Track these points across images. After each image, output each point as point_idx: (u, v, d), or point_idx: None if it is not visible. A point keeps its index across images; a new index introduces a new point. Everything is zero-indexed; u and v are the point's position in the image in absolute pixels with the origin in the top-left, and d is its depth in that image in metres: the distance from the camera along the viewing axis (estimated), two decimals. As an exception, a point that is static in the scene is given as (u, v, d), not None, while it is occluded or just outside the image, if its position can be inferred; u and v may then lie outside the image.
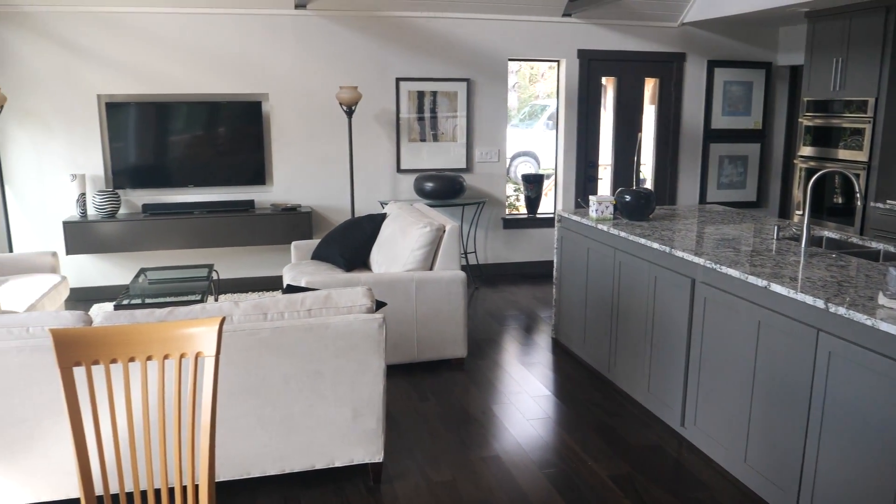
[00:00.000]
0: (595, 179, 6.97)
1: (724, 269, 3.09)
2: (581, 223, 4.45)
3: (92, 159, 5.87)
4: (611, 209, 4.33)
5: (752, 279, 2.92)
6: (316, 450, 2.96)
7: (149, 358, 1.89)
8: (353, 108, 5.88)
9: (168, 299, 4.46)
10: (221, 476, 2.87)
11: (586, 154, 6.86)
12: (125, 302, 4.39)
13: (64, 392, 1.81)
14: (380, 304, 3.14)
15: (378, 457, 3.05)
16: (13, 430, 2.65)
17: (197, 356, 1.89)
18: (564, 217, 4.67)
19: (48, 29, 5.63)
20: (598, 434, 3.60)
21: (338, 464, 3.01)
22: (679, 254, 3.43)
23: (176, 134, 5.98)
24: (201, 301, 4.35)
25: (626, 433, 3.61)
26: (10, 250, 5.67)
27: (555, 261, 4.85)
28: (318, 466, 2.99)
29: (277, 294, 2.99)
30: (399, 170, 6.43)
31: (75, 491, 2.78)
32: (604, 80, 6.88)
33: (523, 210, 7.22)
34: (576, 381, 4.29)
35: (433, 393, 4.10)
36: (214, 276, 5.38)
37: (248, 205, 6.00)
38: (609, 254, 4.12)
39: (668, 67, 6.93)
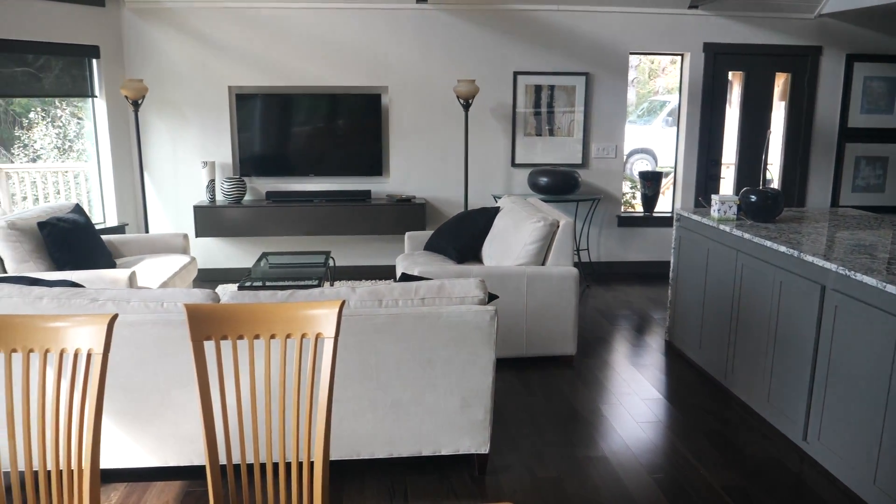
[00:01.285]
0: (717, 178, 6.69)
1: (859, 277, 2.89)
2: (702, 223, 4.29)
3: (222, 148, 6.19)
4: (734, 209, 4.14)
5: (890, 288, 2.72)
6: (423, 436, 3.00)
7: (272, 336, 1.97)
8: (470, 101, 5.91)
9: (287, 283, 4.65)
10: (332, 455, 2.96)
11: (708, 152, 6.60)
12: (247, 284, 4.61)
13: (195, 364, 1.92)
14: (492, 297, 3.14)
15: (484, 448, 3.06)
16: (146, 399, 2.84)
17: (317, 337, 1.95)
18: (684, 216, 4.51)
19: (187, 24, 5.98)
20: (712, 442, 3.46)
21: (444, 452, 3.04)
22: (808, 258, 3.24)
23: (299, 125, 6.21)
24: (318, 286, 4.50)
25: (742, 443, 3.45)
26: (146, 231, 6.07)
27: (672, 261, 4.70)
28: (425, 453, 3.03)
29: (391, 282, 3.05)
30: (513, 164, 6.41)
31: (197, 458, 2.94)
32: (730, 74, 6.59)
33: (639, 208, 7.04)
34: (689, 385, 4.15)
35: (540, 388, 4.07)
36: (330, 262, 5.55)
37: (365, 195, 6.15)
38: (731, 256, 3.95)
39: (801, 62, 6.55)
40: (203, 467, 3.05)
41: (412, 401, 2.95)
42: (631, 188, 9.21)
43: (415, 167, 6.34)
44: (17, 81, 5.41)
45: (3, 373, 2.43)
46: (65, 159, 9.48)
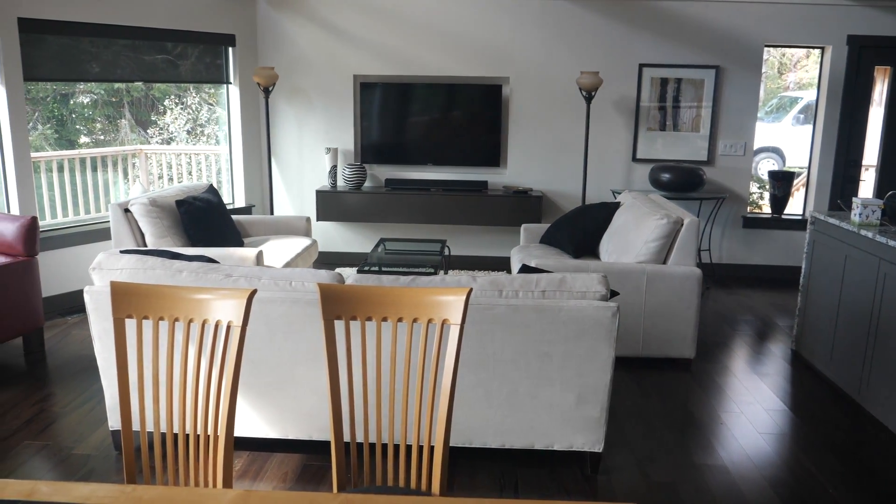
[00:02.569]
0: (856, 181, 6.27)
1: None
2: (840, 227, 4.02)
3: (344, 135, 6.36)
4: (878, 214, 3.86)
5: None
6: (536, 430, 2.97)
7: (400, 319, 1.99)
8: (593, 93, 5.79)
9: (403, 269, 4.72)
10: (445, 442, 2.98)
11: (847, 152, 6.19)
12: (365, 268, 4.71)
13: (325, 342, 1.97)
14: (613, 293, 3.07)
15: (598, 446, 3.00)
16: (270, 372, 2.95)
17: (443, 323, 1.96)
18: (819, 219, 4.25)
19: (317, 14, 6.16)
20: (841, 460, 3.25)
21: (556, 447, 3.00)
22: (966, 270, 2.97)
23: (419, 114, 6.29)
24: (434, 274, 4.55)
25: (877, 465, 3.22)
26: (271, 213, 6.33)
27: (803, 266, 4.44)
28: (537, 447, 3.01)
29: (504, 273, 3.03)
30: (634, 159, 6.25)
31: (316, 434, 3.04)
32: (876, 69, 6.14)
33: (766, 209, 6.69)
34: (817, 398, 3.91)
35: (655, 390, 3.95)
36: (446, 251, 5.60)
37: (482, 185, 6.16)
38: (872, 263, 3.69)
39: (960, 57, 6.02)
40: (321, 443, 3.15)
41: (527, 393, 2.93)
42: (758, 188, 8.77)
43: (533, 159, 6.29)
44: (158, 68, 5.74)
45: (151, 339, 2.58)
46: (195, 142, 10.03)
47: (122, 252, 3.06)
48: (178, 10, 5.64)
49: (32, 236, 4.12)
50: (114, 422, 3.08)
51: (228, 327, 1.90)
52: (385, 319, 2.00)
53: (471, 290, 1.96)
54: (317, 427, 3.01)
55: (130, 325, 2.78)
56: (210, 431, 1.94)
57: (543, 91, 6.18)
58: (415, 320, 1.99)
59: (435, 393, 1.98)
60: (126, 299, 1.94)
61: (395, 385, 2.03)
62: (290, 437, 3.05)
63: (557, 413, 2.95)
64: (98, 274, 2.95)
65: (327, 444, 3.17)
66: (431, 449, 2.02)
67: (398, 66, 6.21)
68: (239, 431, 3.05)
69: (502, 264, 6.44)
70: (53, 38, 4.98)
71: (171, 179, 7.95)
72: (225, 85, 6.23)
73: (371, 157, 6.35)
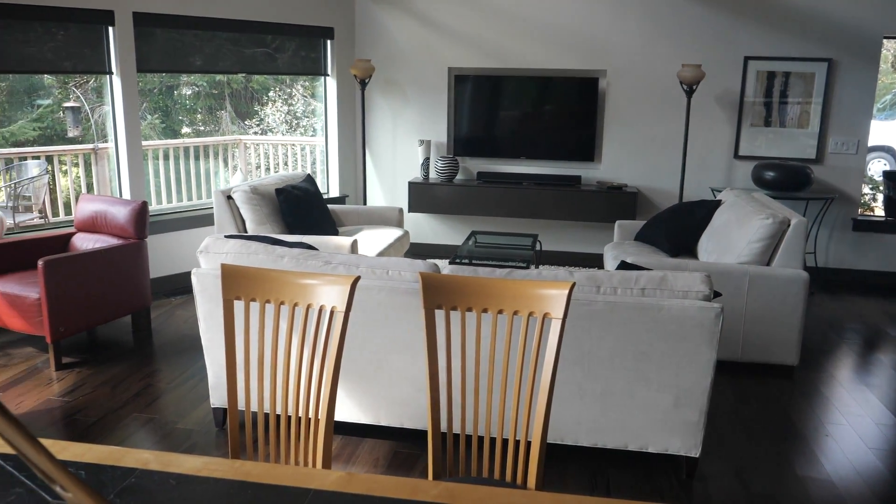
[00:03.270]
0: (981, 183, 5.84)
1: None
2: (966, 232, 3.75)
3: (438, 127, 6.38)
4: None
5: None
6: (631, 431, 2.90)
7: (500, 311, 1.98)
8: (694, 87, 5.61)
9: (495, 263, 4.70)
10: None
11: (973, 152, 5.76)
12: (457, 260, 4.72)
13: (425, 331, 1.98)
14: (715, 294, 2.96)
15: (695, 451, 2.90)
16: (365, 359, 3.00)
17: (544, 317, 1.93)
18: (942, 223, 3.97)
19: (414, 6, 6.21)
20: (964, 482, 3.03)
21: (651, 450, 2.92)
22: None
23: (512, 106, 6.24)
24: (526, 269, 4.51)
25: None
26: (364, 203, 6.43)
27: (921, 272, 4.16)
28: (631, 448, 2.94)
29: (602, 270, 2.97)
30: (736, 155, 6.01)
31: (407, 422, 3.06)
32: None
33: (879, 212, 6.32)
34: (935, 414, 3.67)
35: (755, 397, 3.79)
36: (537, 246, 5.54)
37: (575, 180, 6.06)
38: None
39: None
40: (413, 431, 3.17)
41: (622, 393, 2.86)
42: (871, 189, 8.30)
43: (628, 154, 6.15)
44: (257, 61, 5.91)
45: (258, 321, 2.66)
46: (292, 133, 10.30)
47: (226, 237, 3.17)
48: (279, 4, 5.79)
49: (143, 220, 4.32)
50: (215, 399, 3.20)
51: (332, 312, 1.93)
52: (485, 311, 1.99)
53: (574, 284, 1.92)
54: (409, 415, 3.04)
55: (238, 307, 2.87)
56: (311, 414, 1.98)
57: (642, 84, 6.02)
58: (515, 313, 1.97)
59: (533, 388, 1.96)
60: (235, 281, 2.00)
61: (493, 377, 2.02)
62: (382, 423, 3.09)
63: (653, 414, 2.87)
64: (205, 257, 3.06)
65: (419, 432, 3.20)
66: (528, 444, 2.00)
67: (493, 59, 6.18)
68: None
69: (594, 261, 6.33)
70: (162, 31, 5.20)
71: (267, 169, 8.20)
72: (322, 77, 6.36)
73: (463, 150, 6.36)
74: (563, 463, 3.06)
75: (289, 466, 1.62)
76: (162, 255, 5.31)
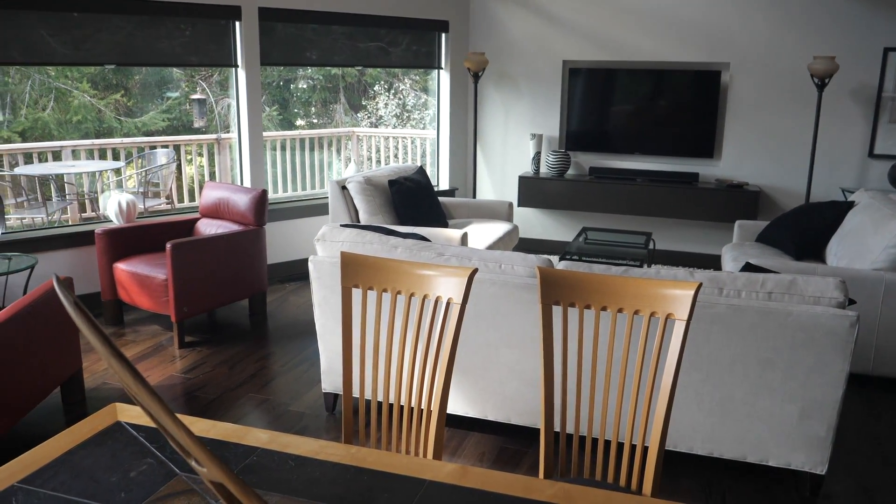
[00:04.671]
0: None
1: None
2: None
3: (550, 121, 6.29)
4: None
5: None
6: (750, 442, 2.76)
7: (620, 310, 1.91)
8: (826, 81, 5.26)
9: (606, 261, 4.59)
10: (650, 441, 2.85)
11: None
12: (567, 257, 4.64)
13: (542, 327, 1.94)
14: (850, 301, 2.76)
15: (821, 468, 2.72)
16: (475, 352, 2.98)
17: (667, 317, 1.85)
18: None
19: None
20: None
21: (772, 463, 2.77)
22: None
23: (627, 100, 6.07)
24: (639, 267, 4.37)
25: None
26: (473, 196, 6.43)
27: None
28: (749, 460, 2.79)
29: (725, 271, 2.82)
30: (871, 154, 5.61)
31: (515, 418, 3.03)
32: None
33: None
34: None
35: (888, 413, 3.52)
36: (651, 244, 5.38)
37: (692, 177, 5.83)
38: None
39: None
40: (520, 427, 3.14)
41: (742, 401, 2.72)
42: None
43: (750, 151, 5.85)
44: (371, 54, 5.98)
45: (375, 310, 2.70)
46: (402, 126, 10.45)
47: (341, 226, 3.23)
48: (397, -2, 5.86)
49: (262, 208, 4.48)
50: (327, 384, 3.27)
51: (448, 304, 1.92)
52: (604, 309, 1.93)
53: (700, 285, 1.83)
54: (516, 411, 3.00)
55: (355, 295, 2.92)
56: (423, 405, 1.98)
57: (768, 77, 5.71)
58: (636, 312, 1.90)
59: (653, 391, 1.88)
60: (354, 270, 2.02)
61: (610, 378, 1.95)
62: (489, 418, 3.07)
63: (776, 426, 2.71)
64: (322, 245, 3.13)
65: (526, 429, 3.16)
66: (644, 449, 1.93)
67: (608, 52, 6.03)
68: (440, 407, 3.12)
69: (710, 262, 6.08)
70: (282, 26, 5.36)
71: (378, 161, 8.35)
72: (436, 70, 6.39)
73: (576, 145, 6.24)
74: (675, 470, 2.95)
75: (403, 455, 1.62)
76: (277, 242, 5.50)
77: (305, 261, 5.68)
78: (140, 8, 4.66)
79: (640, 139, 6.07)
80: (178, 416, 1.68)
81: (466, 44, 6.39)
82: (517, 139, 6.42)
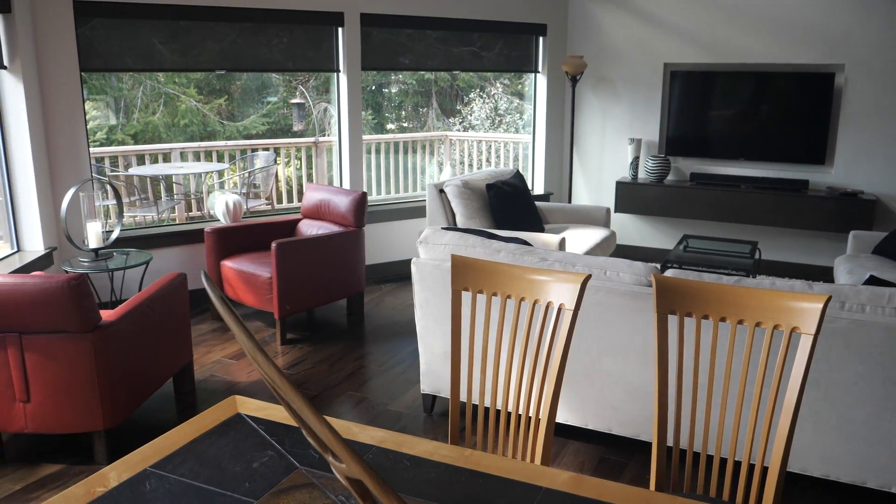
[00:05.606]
0: None
1: None
2: None
3: (649, 125, 6.15)
4: None
5: None
6: (871, 466, 2.60)
7: (740, 321, 1.84)
8: (955, 83, 4.93)
9: (709, 270, 4.44)
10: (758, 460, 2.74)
11: None
12: (668, 265, 4.51)
13: (656, 337, 1.88)
14: None
15: (951, 498, 2.54)
16: (577, 360, 2.94)
17: (791, 331, 1.77)
18: None
19: (629, 1, 6.01)
20: None
21: (895, 490, 2.60)
22: None
23: (731, 104, 5.86)
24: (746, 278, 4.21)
25: None
26: (569, 201, 6.35)
27: None
28: (870, 485, 2.63)
29: (848, 285, 2.67)
30: None
31: (616, 428, 2.96)
32: None
33: None
34: None
35: None
36: (756, 254, 5.17)
37: (801, 185, 5.57)
38: None
39: None
40: (621, 438, 3.08)
41: (864, 423, 2.57)
42: None
43: (867, 158, 5.54)
44: (464, 59, 5.98)
45: (484, 313, 2.70)
46: (494, 130, 10.44)
47: (443, 229, 3.25)
48: (494, 3, 5.85)
49: (362, 209, 4.56)
50: (426, 386, 3.29)
51: (560, 310, 1.90)
52: (723, 320, 1.86)
53: (829, 298, 1.74)
54: (618, 421, 2.94)
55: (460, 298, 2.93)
56: (532, 412, 1.96)
57: (888, 79, 5.39)
58: (758, 324, 1.82)
59: (774, 408, 1.80)
60: (464, 272, 2.03)
61: (727, 392, 1.88)
62: (590, 426, 3.02)
63: (901, 450, 2.55)
64: (424, 247, 3.15)
65: (627, 440, 3.09)
66: (762, 468, 1.84)
67: (712, 54, 5.84)
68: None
69: (819, 274, 5.79)
70: (378, 31, 5.43)
71: (470, 165, 8.37)
72: (532, 74, 6.35)
73: (676, 150, 6.07)
74: (787, 490, 2.81)
75: (517, 461, 1.61)
76: (373, 243, 5.59)
77: (401, 262, 5.75)
78: (245, 16, 4.84)
79: (744, 144, 5.85)
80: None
81: (564, 47, 6.33)
82: (615, 144, 6.31)
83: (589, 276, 1.89)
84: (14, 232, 4.25)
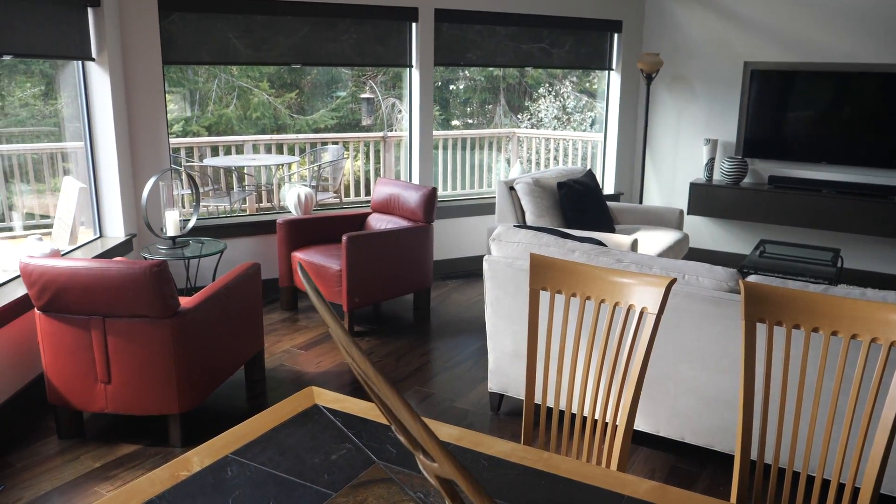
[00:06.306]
0: None
1: None
2: None
3: (726, 126, 5.97)
4: None
5: None
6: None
7: (834, 332, 1.75)
8: None
9: (787, 278, 4.28)
10: (846, 479, 2.62)
11: None
12: (744, 271, 4.37)
13: (744, 347, 1.81)
14: None
15: None
16: (652, 365, 2.86)
17: (890, 345, 1.68)
18: None
19: (712, -3, 5.86)
20: None
21: None
22: None
23: (814, 105, 5.63)
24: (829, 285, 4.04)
25: None
26: (640, 202, 6.23)
27: None
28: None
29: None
30: None
31: (689, 436, 2.88)
32: None
33: None
34: None
35: None
36: (838, 262, 4.96)
37: (888, 191, 5.32)
38: None
39: None
40: (693, 447, 2.99)
41: (959, 443, 2.42)
42: None
43: (960, 164, 5.25)
44: (533, 56, 5.89)
45: (562, 315, 2.66)
46: (563, 128, 10.33)
47: (515, 227, 3.21)
48: (572, -2, 5.77)
49: (431, 205, 4.57)
50: (493, 384, 3.27)
51: (642, 313, 1.85)
52: (816, 330, 1.78)
53: (935, 311, 1.64)
54: (691, 429, 2.86)
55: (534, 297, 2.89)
56: (609, 417, 1.92)
57: None
58: (853, 336, 1.74)
59: (869, 426, 1.71)
60: (543, 272, 1.99)
61: (818, 406, 1.80)
62: (661, 433, 2.94)
63: None
64: (496, 245, 3.13)
65: (700, 449, 3.00)
66: (854, 488, 1.75)
67: (796, 52, 5.62)
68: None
69: (902, 284, 5.53)
70: (447, 26, 5.40)
71: (538, 163, 8.30)
72: (606, 71, 6.24)
73: (754, 151, 5.87)
74: (870, 511, 2.68)
75: (597, 467, 1.57)
76: (440, 239, 5.58)
77: (467, 259, 5.73)
78: (318, 10, 4.88)
79: (827, 147, 5.62)
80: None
81: (640, 44, 6.20)
82: (689, 144, 6.15)
83: (674, 280, 1.83)
84: (97, 218, 4.41)
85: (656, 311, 1.82)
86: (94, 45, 4.15)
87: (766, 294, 1.81)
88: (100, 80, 4.23)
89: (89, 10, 4.09)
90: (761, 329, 2.49)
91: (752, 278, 2.72)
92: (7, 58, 3.67)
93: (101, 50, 4.17)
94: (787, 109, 5.75)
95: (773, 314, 1.81)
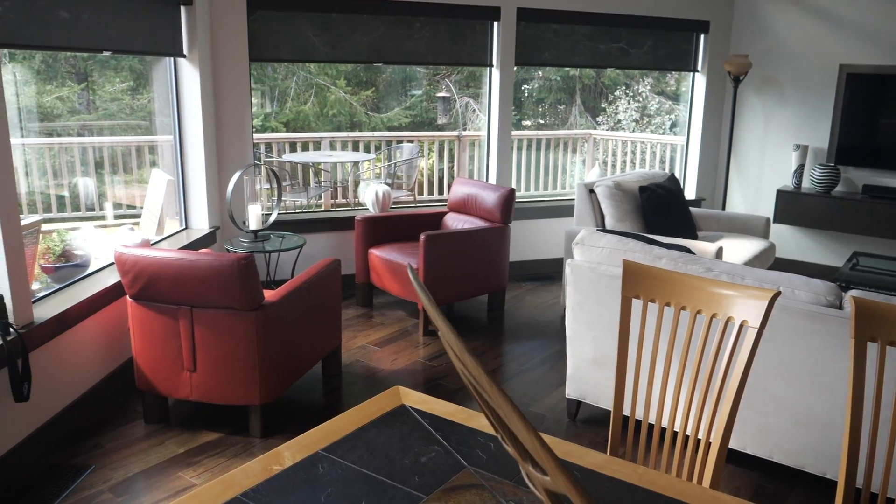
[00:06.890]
0: None
1: None
2: None
3: (818, 131, 5.72)
4: None
5: None
6: None
7: (955, 356, 1.64)
8: None
9: (876, 291, 4.07)
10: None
11: None
12: (837, 283, 4.18)
13: (852, 365, 1.72)
14: None
15: None
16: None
17: None
18: None
19: (807, -3, 5.62)
20: None
21: None
22: None
23: (918, 112, 5.34)
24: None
25: None
26: (723, 208, 6.04)
27: None
28: None
29: None
30: None
31: (777, 455, 2.76)
32: None
33: None
34: None
35: None
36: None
37: None
38: None
39: None
40: (782, 467, 2.87)
41: None
42: None
43: None
44: (611, 56, 5.75)
45: (655, 324, 2.60)
46: (641, 131, 10.12)
47: (598, 230, 3.15)
48: (658, -3, 5.63)
49: (509, 206, 4.53)
50: (571, 390, 3.21)
51: (742, 326, 1.77)
52: (934, 352, 1.66)
53: None
54: (781, 449, 2.74)
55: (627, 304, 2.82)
56: (702, 433, 1.85)
57: None
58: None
59: None
60: (637, 279, 1.93)
61: (933, 432, 1.69)
62: (747, 451, 2.83)
63: None
64: (580, 249, 3.07)
65: (789, 469, 2.88)
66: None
67: (894, 55, 5.35)
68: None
69: None
70: (526, 25, 5.33)
71: (614, 166, 8.15)
72: (691, 73, 6.07)
73: (847, 159, 5.61)
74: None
75: (695, 485, 1.51)
76: (515, 241, 5.54)
77: (542, 261, 5.67)
78: (397, 9, 4.89)
79: (927, 156, 5.32)
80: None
81: (727, 45, 6.00)
82: (777, 149, 5.92)
83: (778, 293, 1.75)
84: (184, 210, 4.54)
85: (758, 326, 1.74)
86: (186, 42, 4.28)
87: (880, 312, 1.71)
88: (190, 76, 4.35)
89: (182, 8, 4.21)
90: (874, 350, 2.37)
91: (855, 292, 2.59)
92: (107, 53, 3.81)
93: (192, 47, 4.29)
94: (883, 115, 5.47)
95: (886, 333, 1.71)
